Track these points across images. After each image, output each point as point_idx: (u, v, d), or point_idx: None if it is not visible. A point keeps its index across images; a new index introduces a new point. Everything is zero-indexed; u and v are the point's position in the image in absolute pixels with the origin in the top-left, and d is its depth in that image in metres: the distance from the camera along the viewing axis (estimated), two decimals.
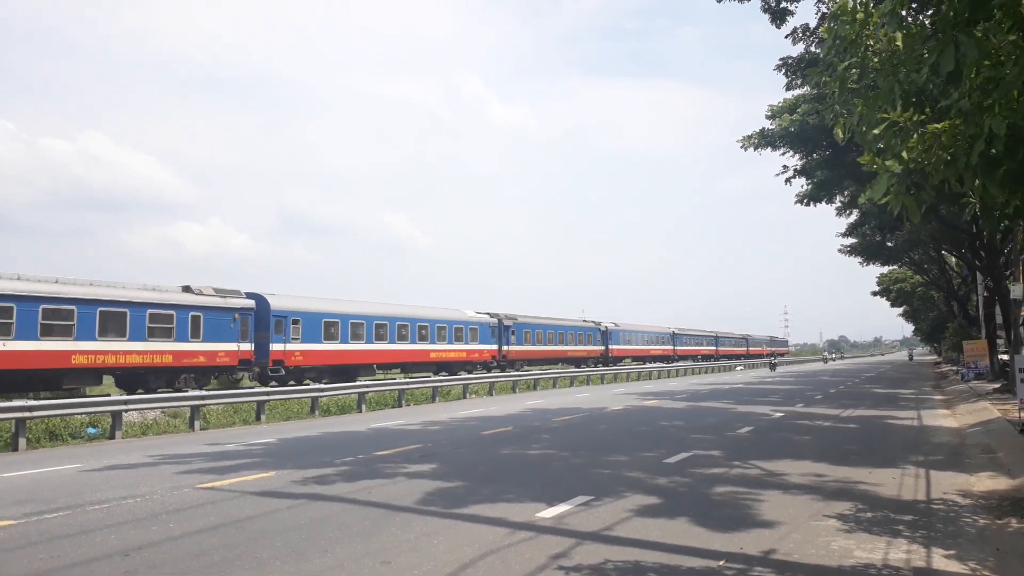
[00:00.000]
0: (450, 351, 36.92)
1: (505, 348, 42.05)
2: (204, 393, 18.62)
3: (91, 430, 16.08)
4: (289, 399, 21.00)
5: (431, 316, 36.27)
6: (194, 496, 8.63)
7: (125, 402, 16.22)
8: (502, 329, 42.00)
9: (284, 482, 9.46)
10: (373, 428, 16.71)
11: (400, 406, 23.76)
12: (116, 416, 15.98)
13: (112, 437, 15.73)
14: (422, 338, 35.15)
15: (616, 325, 56.53)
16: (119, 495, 8.69)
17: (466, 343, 38.28)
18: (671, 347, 67.12)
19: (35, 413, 14.39)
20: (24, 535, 6.84)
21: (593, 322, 53.97)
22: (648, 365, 52.57)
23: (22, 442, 14.10)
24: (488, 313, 41.41)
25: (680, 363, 60.62)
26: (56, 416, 15.28)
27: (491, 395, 29.12)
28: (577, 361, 49.69)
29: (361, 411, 22.02)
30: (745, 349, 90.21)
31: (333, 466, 10.72)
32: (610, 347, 54.51)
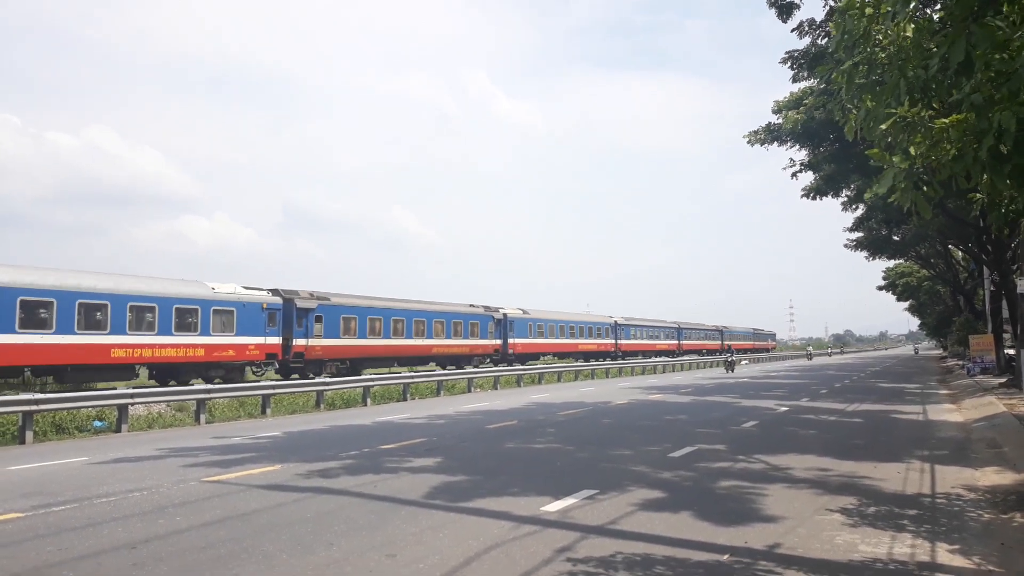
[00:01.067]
0: (169, 345, 23.82)
1: (301, 342, 28.75)
2: (210, 387, 18.73)
3: (98, 423, 16.16)
4: (295, 392, 21.21)
5: (135, 291, 23.14)
6: (200, 489, 8.67)
7: (131, 395, 16.30)
8: (296, 314, 28.61)
9: (290, 475, 9.50)
10: (378, 422, 16.76)
11: (405, 399, 23.89)
12: (122, 409, 16.07)
13: (118, 430, 15.82)
14: (95, 326, 21.87)
15: (525, 312, 44.54)
16: (126, 488, 8.74)
17: (211, 334, 25.16)
18: (612, 340, 54.03)
19: (42, 407, 14.46)
20: (32, 528, 6.89)
21: (484, 307, 41.28)
22: (556, 364, 41.55)
23: (29, 435, 14.18)
24: (270, 290, 28.43)
25: (632, 361, 48.53)
26: (63, 409, 15.37)
27: (496, 388, 29.27)
28: (455, 360, 37.52)
29: (366, 404, 22.11)
30: (720, 343, 73.69)
31: (338, 459, 10.75)
32: (510, 341, 42.31)
